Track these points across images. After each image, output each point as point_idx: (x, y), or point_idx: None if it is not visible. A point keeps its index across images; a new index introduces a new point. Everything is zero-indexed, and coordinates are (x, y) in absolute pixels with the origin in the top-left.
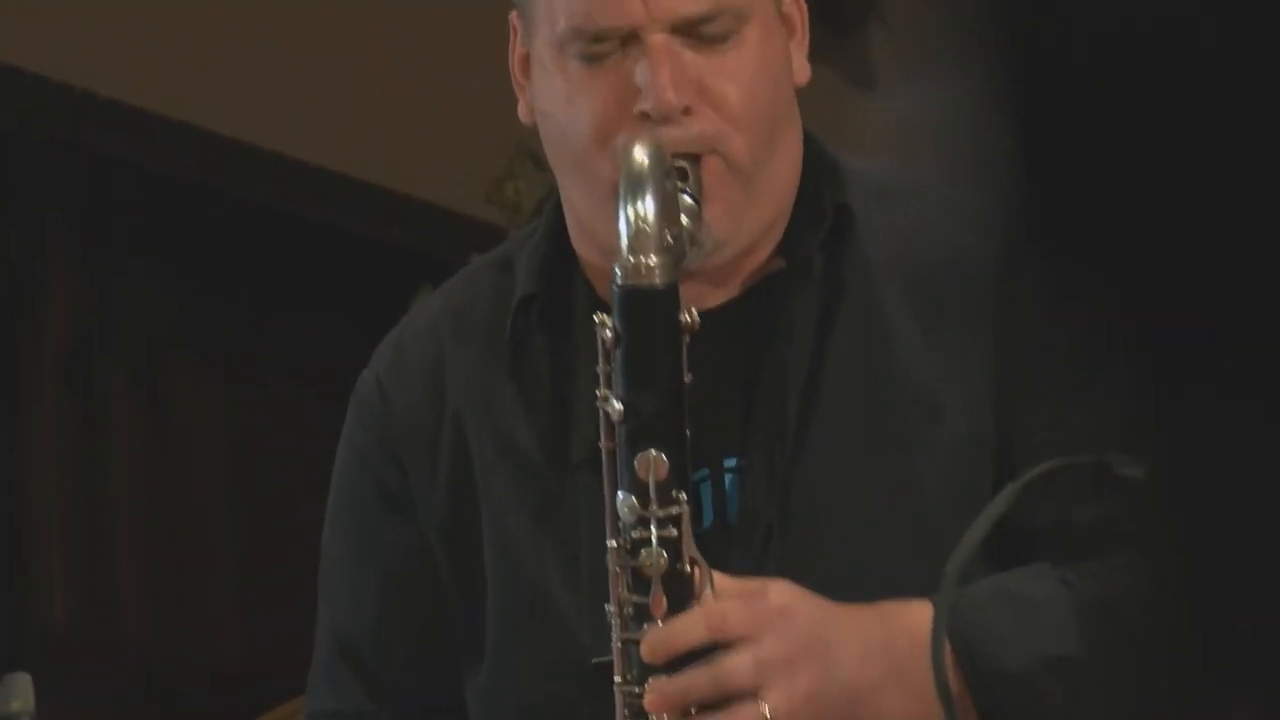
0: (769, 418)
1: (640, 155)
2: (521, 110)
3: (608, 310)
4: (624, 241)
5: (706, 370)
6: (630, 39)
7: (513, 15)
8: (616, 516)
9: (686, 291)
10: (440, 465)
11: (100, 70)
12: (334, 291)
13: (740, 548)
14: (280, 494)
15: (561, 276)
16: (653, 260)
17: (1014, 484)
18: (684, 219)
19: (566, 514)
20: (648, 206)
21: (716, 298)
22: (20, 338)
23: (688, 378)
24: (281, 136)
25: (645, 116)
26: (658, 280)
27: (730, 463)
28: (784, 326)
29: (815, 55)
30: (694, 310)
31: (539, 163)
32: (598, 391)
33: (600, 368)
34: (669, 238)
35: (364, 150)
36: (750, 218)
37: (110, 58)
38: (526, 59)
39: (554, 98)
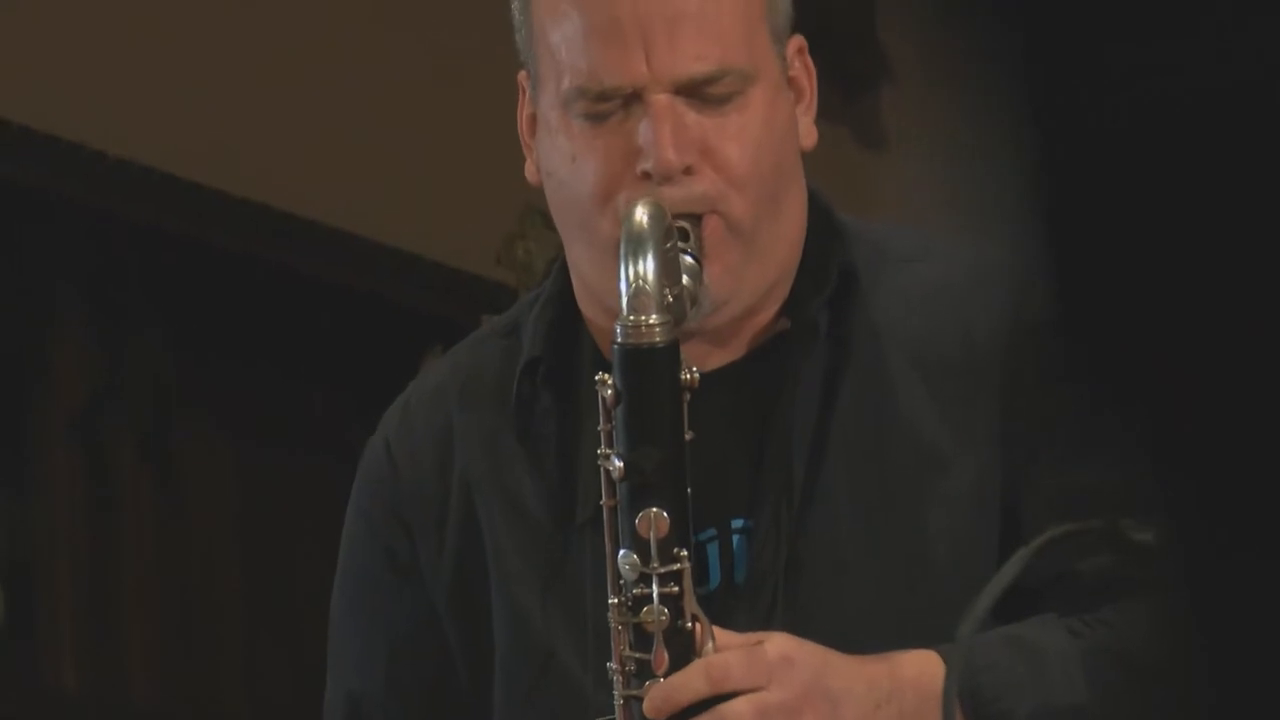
0: (776, 479)
1: (640, 215)
2: (529, 170)
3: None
4: (624, 300)
5: (713, 431)
6: (634, 99)
7: (521, 75)
8: (618, 574)
9: (690, 352)
10: (448, 533)
11: (112, 131)
12: (344, 352)
13: (748, 608)
14: (290, 556)
15: (567, 338)
16: (653, 319)
17: (1025, 549)
18: (685, 279)
19: (572, 574)
20: (648, 266)
21: (721, 358)
22: (30, 396)
23: (689, 435)
24: (291, 196)
25: (647, 176)
26: (658, 339)
27: (738, 524)
28: (789, 387)
29: (827, 115)
30: (694, 368)
31: (549, 223)
32: (599, 450)
33: (602, 426)
34: (669, 297)
35: (374, 210)
36: (751, 278)
37: (121, 118)
38: (533, 119)
39: (558, 157)
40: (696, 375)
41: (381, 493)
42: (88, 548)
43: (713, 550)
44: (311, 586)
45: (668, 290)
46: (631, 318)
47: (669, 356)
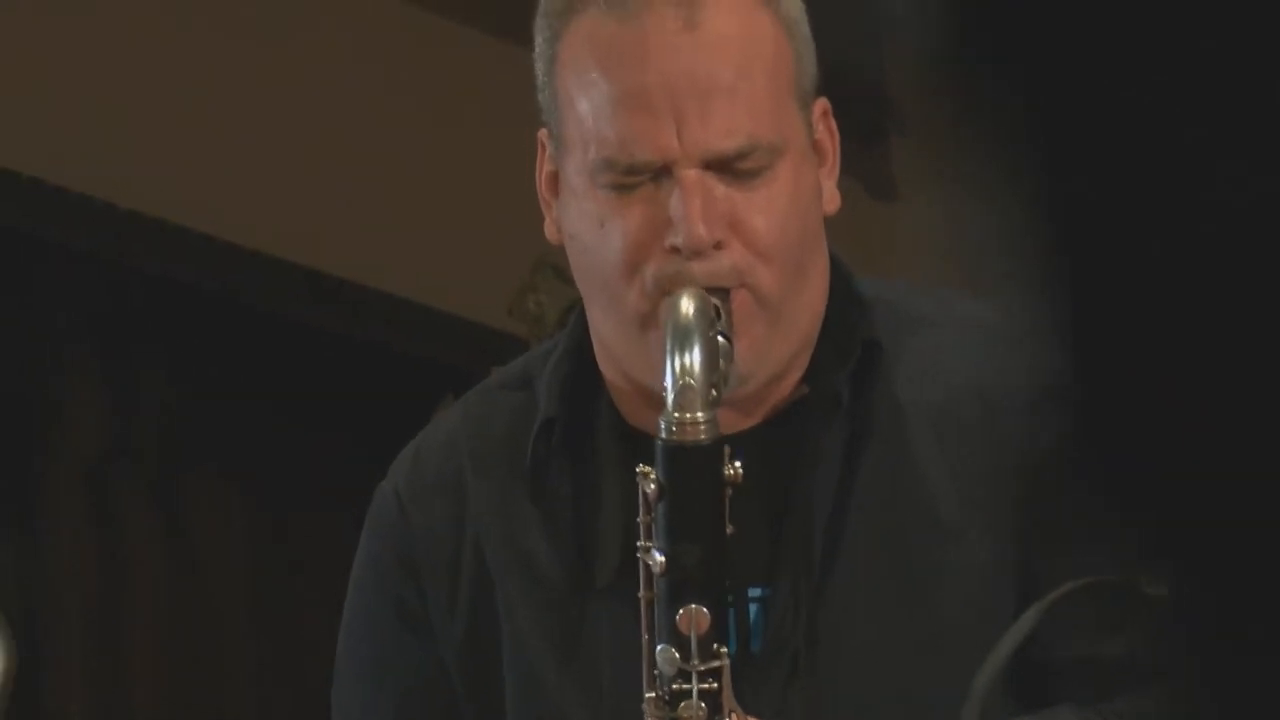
0: (795, 549)
1: (686, 307)
2: (548, 228)
3: (631, 434)
4: (670, 397)
5: (734, 502)
6: (663, 171)
7: (541, 133)
8: (654, 666)
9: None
10: (460, 589)
11: (122, 182)
12: (356, 403)
13: (764, 677)
14: (299, 607)
15: (583, 398)
16: (699, 416)
17: (1040, 603)
18: (720, 362)
19: (588, 640)
20: (694, 360)
21: (742, 424)
22: (40, 445)
23: (729, 530)
24: (302, 248)
25: (675, 249)
26: (703, 436)
27: (755, 592)
28: (810, 458)
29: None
30: (738, 464)
31: (561, 275)
32: (638, 542)
33: (641, 519)
34: (713, 391)
35: (386, 261)
36: (776, 350)
37: (131, 169)
38: (555, 177)
39: (584, 221)
40: (740, 471)
41: (391, 540)
42: (96, 597)
43: (730, 618)
44: (319, 637)
45: (711, 385)
46: (678, 415)
47: (714, 454)
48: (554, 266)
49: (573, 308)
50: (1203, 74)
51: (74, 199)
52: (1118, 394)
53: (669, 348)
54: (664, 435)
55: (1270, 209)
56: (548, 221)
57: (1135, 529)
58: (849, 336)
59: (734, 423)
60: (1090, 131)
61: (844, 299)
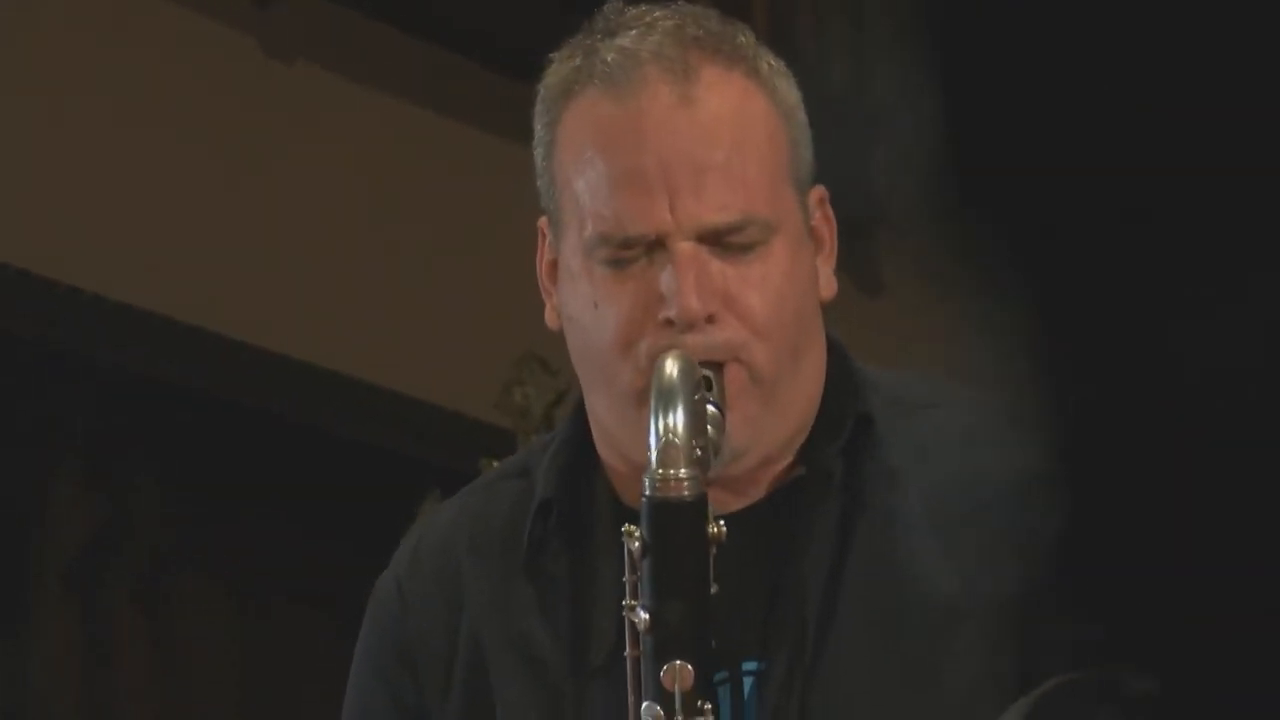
0: (789, 624)
1: (670, 368)
2: (548, 315)
3: (629, 516)
4: (653, 454)
5: (727, 574)
6: (657, 246)
7: (541, 221)
8: None
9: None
10: (455, 680)
11: (110, 276)
12: (342, 498)
13: None
14: (287, 707)
15: (581, 482)
16: (682, 473)
17: (1025, 698)
18: (709, 429)
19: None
20: (678, 419)
21: (736, 503)
22: (27, 545)
23: (714, 588)
24: (289, 341)
25: (670, 323)
26: (686, 493)
27: (750, 666)
28: (804, 534)
29: None
30: (721, 522)
31: (547, 368)
32: (624, 601)
33: (627, 577)
34: (697, 450)
35: (372, 354)
36: (770, 428)
37: (122, 263)
38: (554, 265)
39: (580, 303)
40: (724, 529)
41: (389, 635)
42: (83, 698)
43: (724, 692)
44: None
45: (695, 444)
46: (660, 471)
47: (697, 510)
48: (540, 359)
49: (559, 401)
50: (1186, 175)
51: (59, 293)
52: (1102, 485)
53: (653, 408)
54: (648, 492)
55: (1256, 307)
56: (548, 308)
57: (1122, 623)
58: (842, 413)
59: (728, 502)
60: (1078, 230)
61: (841, 382)
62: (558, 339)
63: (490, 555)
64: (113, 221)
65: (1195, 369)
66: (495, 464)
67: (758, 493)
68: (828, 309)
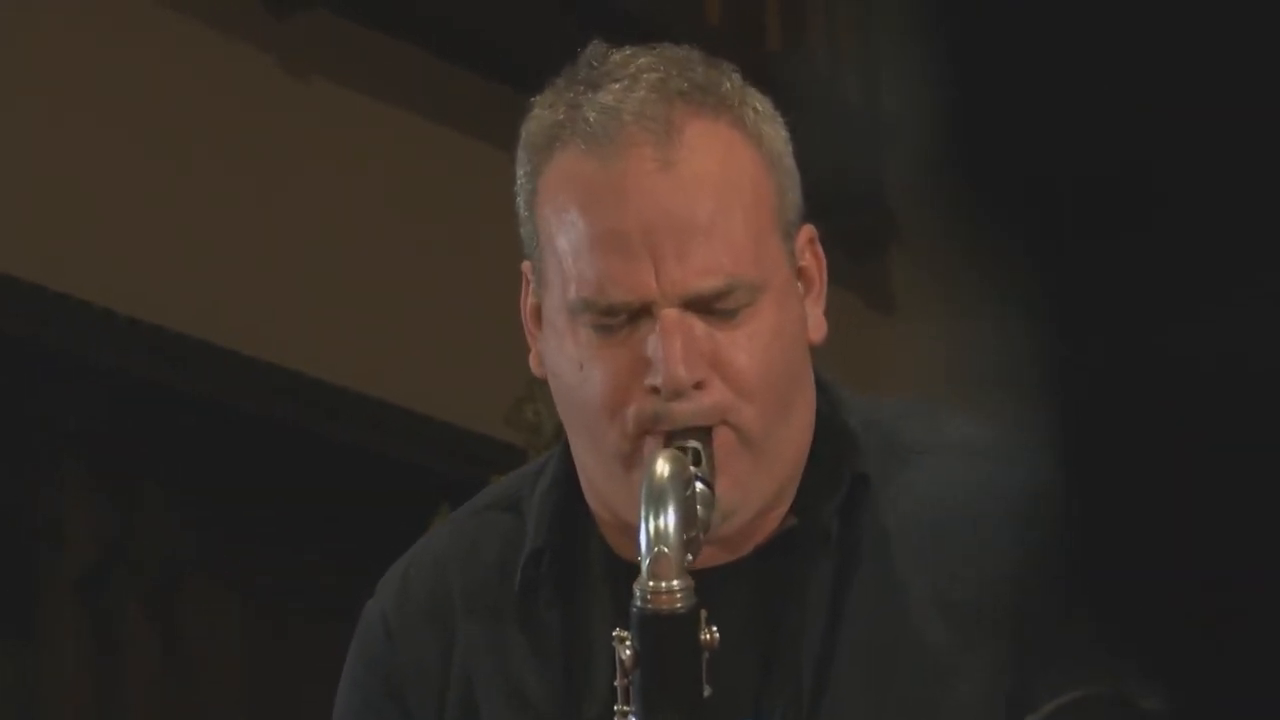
0: (784, 681)
1: (661, 470)
2: (533, 361)
3: (618, 564)
4: (645, 564)
5: (720, 629)
6: (642, 312)
7: (525, 265)
8: None
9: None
10: (446, 717)
11: (121, 289)
12: (353, 511)
13: None
14: (297, 716)
15: (571, 527)
16: (674, 585)
17: (1033, 716)
18: (699, 509)
19: None
20: (669, 522)
21: (727, 558)
22: (38, 557)
23: (707, 692)
24: (300, 356)
25: (656, 390)
26: (679, 605)
27: None
28: (798, 591)
29: (834, 278)
30: (714, 629)
31: None
32: (616, 707)
33: (619, 682)
34: (689, 555)
35: (383, 370)
36: (759, 486)
37: (132, 276)
38: (537, 309)
39: (564, 360)
40: (716, 635)
41: (377, 665)
42: (93, 709)
43: None
44: None
45: (686, 537)
46: (652, 584)
47: (690, 621)
48: None
49: None
50: (1203, 191)
51: (71, 305)
52: (1113, 513)
53: (643, 512)
54: (639, 603)
55: (1269, 331)
56: (532, 354)
57: (1128, 652)
58: (836, 468)
59: (719, 557)
60: (1090, 249)
61: (831, 429)
62: None
63: (481, 596)
64: (126, 233)
65: (1209, 384)
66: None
67: (748, 546)
68: (838, 331)
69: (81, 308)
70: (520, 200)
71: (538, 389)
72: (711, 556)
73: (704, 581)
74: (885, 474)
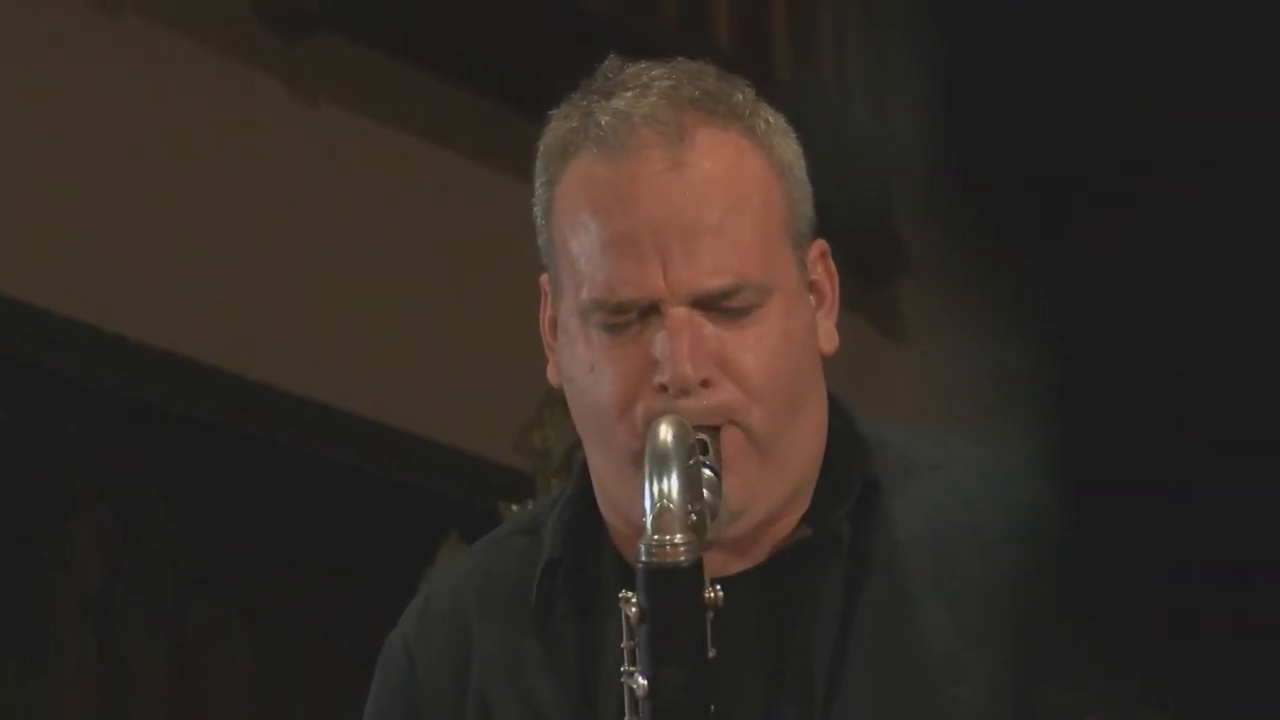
0: (795, 688)
1: (665, 433)
2: (550, 372)
3: (633, 576)
4: (648, 520)
5: (732, 638)
6: (651, 310)
7: (543, 279)
8: None
9: (710, 560)
10: None
11: (130, 313)
12: (361, 536)
13: None
14: None
15: (587, 541)
16: (678, 539)
17: None
18: (705, 493)
19: None
20: (672, 484)
21: (741, 565)
22: (46, 579)
23: (712, 652)
24: (309, 380)
25: (664, 388)
26: (682, 558)
27: None
28: (810, 598)
29: (844, 303)
30: (718, 587)
31: (567, 411)
32: (623, 668)
33: (625, 644)
34: (692, 515)
35: (392, 396)
36: (768, 488)
37: (141, 303)
38: (555, 322)
39: (577, 365)
40: (720, 594)
41: (400, 693)
42: None
43: None
44: None
45: (691, 508)
46: (656, 537)
47: (693, 576)
48: (561, 402)
49: (579, 444)
50: (1209, 215)
51: (80, 330)
52: (1117, 531)
53: (647, 473)
54: (643, 558)
55: (1270, 347)
56: (550, 366)
57: (1131, 665)
58: (848, 476)
59: (731, 564)
60: (1097, 274)
61: (844, 440)
62: None
63: (498, 609)
64: (135, 259)
65: (1212, 391)
66: (514, 508)
67: (760, 554)
68: (849, 356)
69: (90, 333)
70: (537, 210)
71: (547, 415)
72: (724, 564)
73: (720, 604)
74: (898, 486)
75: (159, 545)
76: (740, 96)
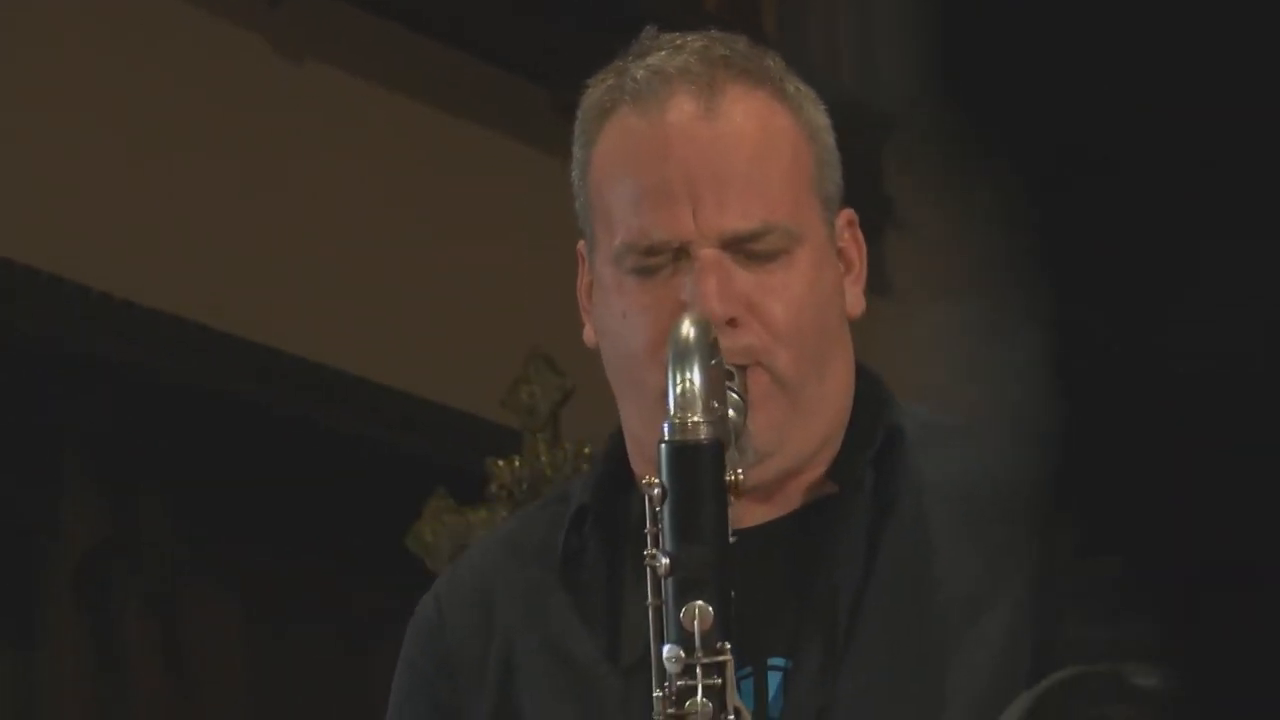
0: (818, 624)
1: (686, 328)
2: (587, 334)
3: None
4: (671, 401)
5: (754, 581)
6: (682, 253)
7: (580, 245)
8: (662, 670)
9: (736, 508)
10: (488, 681)
11: (117, 274)
12: (349, 496)
13: None
14: (297, 711)
15: (616, 495)
16: (698, 417)
17: (1027, 693)
18: (730, 412)
19: (614, 717)
20: (694, 371)
21: (766, 514)
22: (37, 555)
23: (732, 539)
24: (295, 339)
25: None
26: (703, 435)
27: (776, 662)
28: (835, 548)
29: None
30: (739, 470)
31: (553, 367)
32: (646, 551)
33: (649, 528)
34: (714, 404)
35: (378, 353)
36: (796, 435)
37: (131, 263)
38: (591, 286)
39: (610, 315)
40: (742, 477)
41: (430, 645)
42: (93, 707)
43: (747, 687)
44: None
45: (715, 403)
46: (678, 417)
47: (714, 453)
48: (547, 358)
49: (566, 400)
50: (1205, 170)
51: (69, 292)
52: (1116, 482)
53: (670, 365)
54: (666, 437)
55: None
56: (586, 328)
57: (1148, 614)
58: (873, 429)
59: (759, 514)
60: (1090, 225)
61: (872, 400)
62: (565, 337)
63: (525, 565)
64: (121, 220)
65: (1208, 370)
66: (501, 464)
67: (788, 505)
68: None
69: (77, 295)
70: (575, 174)
71: (533, 371)
72: (752, 514)
73: (744, 539)
74: (922, 440)
75: (149, 518)
76: (771, 63)
